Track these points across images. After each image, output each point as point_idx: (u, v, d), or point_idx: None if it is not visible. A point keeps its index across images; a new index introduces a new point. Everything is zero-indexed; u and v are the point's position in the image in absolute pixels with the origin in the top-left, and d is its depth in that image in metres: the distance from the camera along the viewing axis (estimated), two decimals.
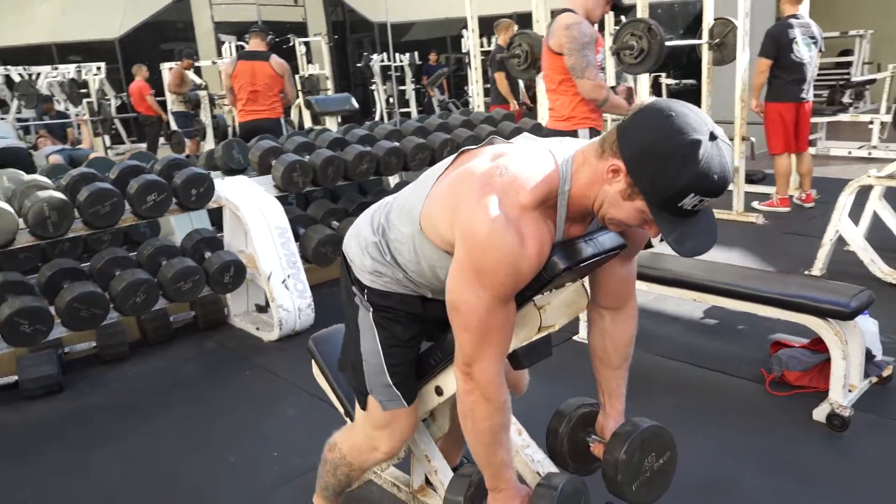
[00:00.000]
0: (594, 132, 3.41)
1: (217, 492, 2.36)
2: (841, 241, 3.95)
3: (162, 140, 10.15)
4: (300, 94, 10.13)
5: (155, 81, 10.81)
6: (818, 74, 5.88)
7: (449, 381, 1.69)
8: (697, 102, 6.69)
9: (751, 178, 6.73)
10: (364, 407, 1.75)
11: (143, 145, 10.68)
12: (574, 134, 3.29)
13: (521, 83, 7.50)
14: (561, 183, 1.34)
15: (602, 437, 1.69)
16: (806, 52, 5.23)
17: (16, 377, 3.12)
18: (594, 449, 1.70)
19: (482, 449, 1.47)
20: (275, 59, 5.49)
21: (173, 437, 2.75)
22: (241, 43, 11.92)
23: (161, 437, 2.76)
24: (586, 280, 1.65)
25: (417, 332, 1.72)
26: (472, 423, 1.45)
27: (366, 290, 1.65)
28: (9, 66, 10.64)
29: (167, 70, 10.81)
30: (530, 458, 1.71)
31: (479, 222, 1.30)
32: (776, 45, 5.27)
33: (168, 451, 2.65)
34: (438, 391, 1.75)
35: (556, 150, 1.39)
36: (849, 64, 10.88)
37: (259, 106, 5.48)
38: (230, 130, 8.56)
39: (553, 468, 1.72)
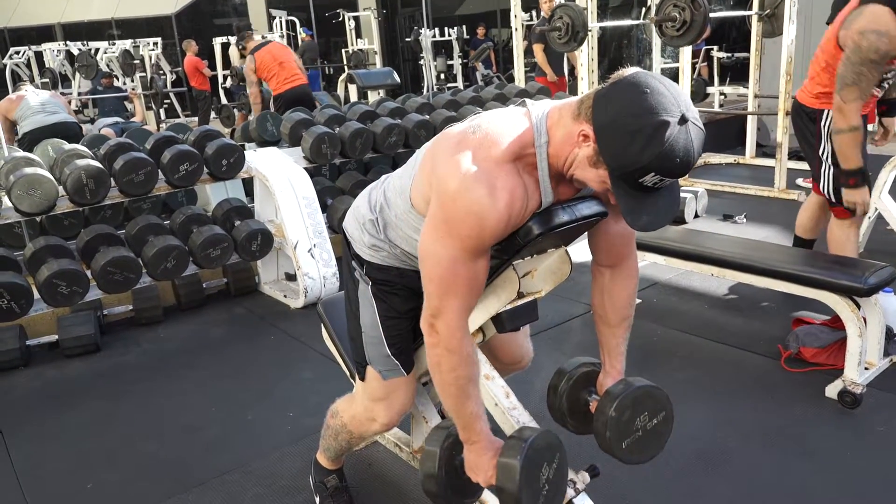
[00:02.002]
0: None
1: (232, 446, 2.48)
2: (881, 221, 3.82)
3: (213, 114, 10.41)
4: (346, 68, 10.24)
5: (207, 56, 11.08)
6: None
7: None
8: (747, 76, 6.52)
9: (798, 155, 6.53)
10: (363, 378, 1.81)
11: (197, 119, 10.97)
12: (817, 113, 2.97)
13: (564, 54, 7.39)
14: (536, 137, 1.34)
15: (600, 396, 1.70)
16: None
17: (56, 336, 3.30)
18: (592, 407, 1.70)
19: (450, 401, 1.49)
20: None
21: (196, 395, 2.89)
22: (293, 18, 12.09)
23: (185, 394, 2.90)
24: (576, 246, 1.66)
25: (415, 304, 1.76)
26: (439, 376, 1.47)
27: (364, 265, 1.70)
28: (68, 42, 11.00)
29: (219, 45, 11.06)
30: (516, 421, 1.74)
31: (451, 175, 1.33)
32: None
33: (190, 407, 2.78)
34: None
35: (533, 109, 1.40)
36: None
37: (288, 74, 5.87)
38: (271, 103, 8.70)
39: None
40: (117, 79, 11.39)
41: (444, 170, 1.36)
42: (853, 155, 2.72)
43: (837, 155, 2.80)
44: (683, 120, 1.21)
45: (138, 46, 11.67)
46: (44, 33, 13.53)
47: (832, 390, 2.47)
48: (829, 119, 2.91)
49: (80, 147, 3.71)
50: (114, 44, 11.64)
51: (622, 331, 1.70)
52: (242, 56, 7.33)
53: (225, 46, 11.65)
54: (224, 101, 10.53)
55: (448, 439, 1.61)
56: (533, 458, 1.45)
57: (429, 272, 1.41)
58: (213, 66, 11.52)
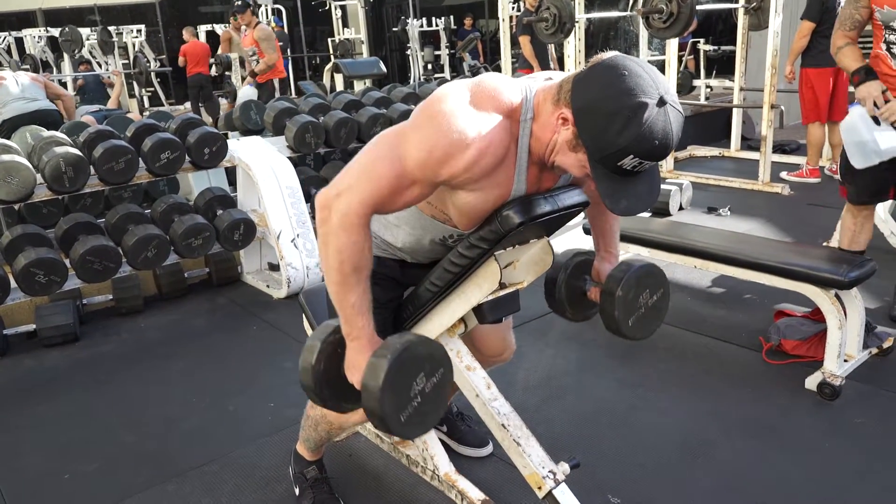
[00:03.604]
0: None
1: (212, 436, 2.46)
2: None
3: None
4: (332, 57, 10.16)
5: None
6: (860, 43, 5.62)
7: (421, 332, 1.71)
8: (733, 69, 6.54)
9: (783, 148, 6.57)
10: None
11: (181, 107, 10.82)
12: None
13: (550, 47, 7.38)
14: (524, 112, 1.32)
15: (598, 282, 1.73)
16: None
17: (34, 325, 3.26)
18: (591, 294, 1.74)
19: (333, 288, 1.39)
20: None
21: (177, 385, 2.86)
22: (279, 6, 11.98)
23: (165, 385, 2.87)
24: (559, 237, 1.66)
25: (396, 294, 1.74)
26: (324, 255, 1.37)
27: None
28: (49, 28, 10.84)
29: (204, 32, 10.90)
30: (496, 411, 1.73)
31: (445, 94, 1.30)
32: (822, 7, 5.05)
33: (170, 397, 2.75)
34: None
35: (528, 85, 1.36)
36: None
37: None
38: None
39: (517, 420, 1.74)
40: (100, 66, 11.23)
41: (435, 94, 1.32)
42: (850, 64, 2.78)
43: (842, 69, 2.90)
44: (662, 102, 1.20)
45: (121, 33, 11.52)
46: (24, 19, 13.32)
47: (812, 382, 2.48)
48: None
49: (58, 134, 3.65)
50: (95, 30, 11.49)
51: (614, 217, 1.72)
52: (237, 29, 7.20)
53: (210, 34, 11.52)
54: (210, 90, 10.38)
55: (334, 334, 1.49)
56: (407, 361, 1.36)
57: (362, 155, 1.37)
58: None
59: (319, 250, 1.40)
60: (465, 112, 1.27)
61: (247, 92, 6.67)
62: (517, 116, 1.32)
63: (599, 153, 1.24)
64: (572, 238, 3.61)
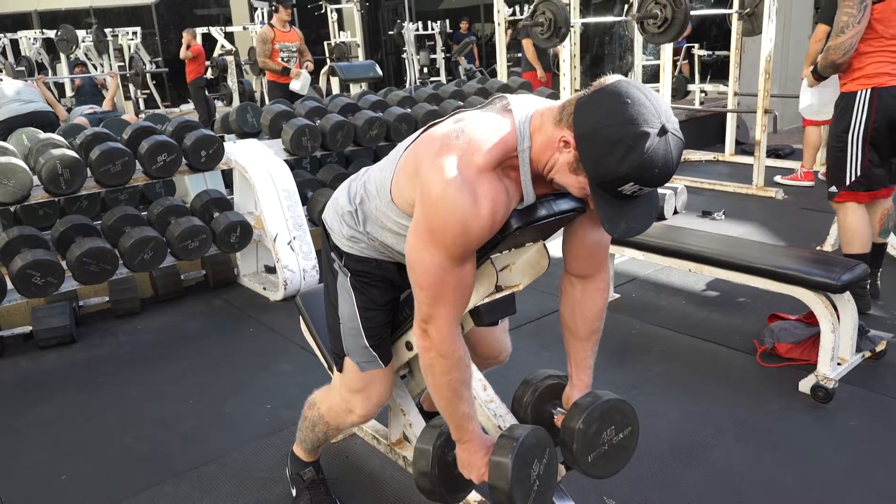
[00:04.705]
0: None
1: (209, 438, 2.46)
2: None
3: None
4: (328, 60, 10.17)
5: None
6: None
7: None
8: (727, 74, 6.58)
9: (777, 153, 6.61)
10: (341, 370, 1.81)
11: (177, 110, 10.83)
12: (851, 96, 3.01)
13: (550, 50, 7.42)
14: (519, 141, 1.35)
15: (566, 409, 1.69)
16: None
17: (30, 327, 3.26)
18: (557, 421, 1.69)
19: (444, 403, 1.52)
20: None
21: (173, 387, 2.86)
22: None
23: (162, 386, 2.87)
24: (555, 241, 1.67)
25: (393, 296, 1.76)
26: (432, 379, 1.50)
27: (343, 256, 1.70)
28: (45, 30, 10.83)
29: (200, 35, 10.87)
30: (493, 413, 1.75)
31: (435, 182, 1.34)
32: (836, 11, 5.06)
33: (167, 399, 2.76)
34: (409, 346, 1.80)
35: (517, 110, 1.40)
36: None
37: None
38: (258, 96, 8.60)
39: (513, 422, 1.75)
40: (95, 68, 11.22)
41: (427, 175, 1.36)
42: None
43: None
44: (663, 131, 1.22)
45: (117, 35, 11.52)
46: (20, 21, 13.31)
47: (805, 385, 2.50)
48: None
49: (55, 136, 3.65)
50: (91, 32, 11.48)
51: (591, 343, 1.70)
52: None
53: (206, 37, 11.52)
54: (206, 91, 10.39)
55: (440, 437, 1.63)
56: (524, 455, 1.48)
57: (418, 280, 1.42)
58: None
59: (425, 373, 1.52)
60: (460, 189, 1.31)
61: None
62: (512, 151, 1.36)
63: (600, 178, 1.27)
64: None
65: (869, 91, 2.95)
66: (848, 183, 3.04)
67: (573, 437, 1.54)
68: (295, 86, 6.31)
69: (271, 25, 6.56)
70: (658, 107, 1.23)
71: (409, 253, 1.43)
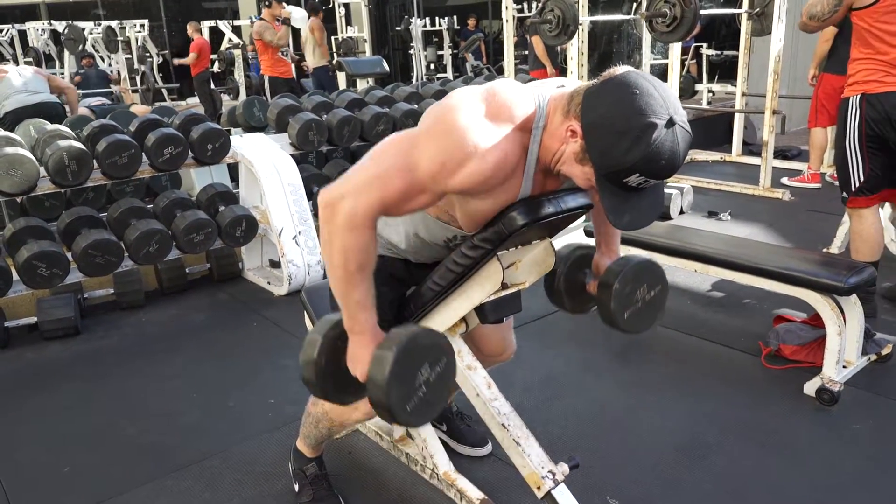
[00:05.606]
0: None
1: (212, 432, 2.46)
2: None
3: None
4: (335, 55, 10.17)
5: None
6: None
7: None
8: (735, 74, 6.55)
9: (784, 154, 6.58)
10: None
11: (183, 103, 10.83)
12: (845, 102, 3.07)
13: (559, 48, 7.38)
14: (536, 120, 1.33)
15: (597, 275, 1.73)
16: None
17: (35, 318, 3.26)
18: (590, 287, 1.75)
19: (336, 284, 1.40)
20: None
21: (177, 380, 2.87)
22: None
23: (166, 379, 2.88)
24: (561, 239, 1.67)
25: (399, 293, 1.75)
26: (328, 253, 1.37)
27: None
28: (53, 21, 10.84)
29: (207, 28, 10.89)
30: (497, 411, 1.74)
31: (460, 104, 1.28)
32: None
33: (170, 392, 2.76)
34: None
35: (541, 90, 1.37)
36: None
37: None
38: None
39: (517, 420, 1.75)
40: (103, 60, 11.23)
41: (452, 102, 1.30)
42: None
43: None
44: (671, 123, 1.21)
45: (124, 27, 11.52)
46: (28, 12, 13.33)
47: (810, 387, 2.49)
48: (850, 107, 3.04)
49: (62, 128, 3.65)
50: (99, 24, 11.49)
51: None
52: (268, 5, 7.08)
53: (213, 30, 11.53)
54: (212, 85, 10.38)
55: (335, 328, 1.50)
56: (412, 352, 1.37)
57: (372, 158, 1.35)
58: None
59: (322, 247, 1.40)
60: (481, 126, 1.26)
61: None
62: (529, 126, 1.32)
63: (606, 169, 1.25)
64: (574, 240, 3.60)
65: (858, 97, 2.99)
66: (853, 189, 3.04)
67: (611, 297, 1.59)
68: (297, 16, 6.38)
69: (262, 20, 6.60)
70: (667, 98, 1.22)
71: (384, 141, 1.39)
